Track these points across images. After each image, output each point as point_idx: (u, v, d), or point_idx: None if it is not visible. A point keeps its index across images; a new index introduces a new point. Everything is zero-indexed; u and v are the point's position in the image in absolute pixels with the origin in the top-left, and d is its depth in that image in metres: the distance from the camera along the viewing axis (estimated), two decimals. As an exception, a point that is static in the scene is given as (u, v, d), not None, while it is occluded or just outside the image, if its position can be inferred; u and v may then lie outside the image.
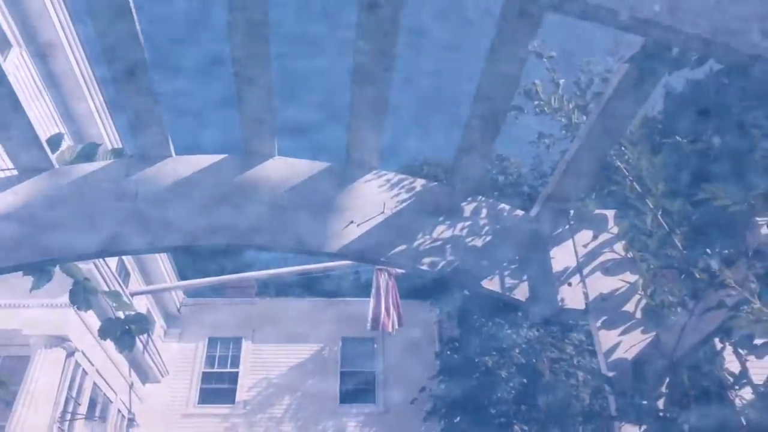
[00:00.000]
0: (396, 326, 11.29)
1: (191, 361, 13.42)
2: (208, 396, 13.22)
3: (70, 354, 8.24)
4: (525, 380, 11.14)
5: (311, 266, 11.57)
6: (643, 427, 2.06)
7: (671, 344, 2.16)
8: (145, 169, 2.33)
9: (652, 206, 2.28)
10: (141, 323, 3.01)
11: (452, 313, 13.93)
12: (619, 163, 2.44)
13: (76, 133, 9.06)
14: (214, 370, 13.59)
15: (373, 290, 11.51)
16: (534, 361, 11.00)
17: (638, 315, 2.30)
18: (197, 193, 2.31)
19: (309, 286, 20.68)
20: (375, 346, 14.26)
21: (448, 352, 13.09)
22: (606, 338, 2.24)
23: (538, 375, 9.62)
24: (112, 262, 10.00)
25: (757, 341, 1.92)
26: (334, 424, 13.08)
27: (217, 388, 13.38)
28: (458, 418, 11.84)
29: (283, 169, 2.43)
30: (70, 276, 2.77)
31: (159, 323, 13.42)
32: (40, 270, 2.56)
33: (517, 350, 11.98)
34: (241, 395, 13.25)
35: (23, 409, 7.57)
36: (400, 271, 11.96)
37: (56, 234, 2.17)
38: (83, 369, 8.69)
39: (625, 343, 2.22)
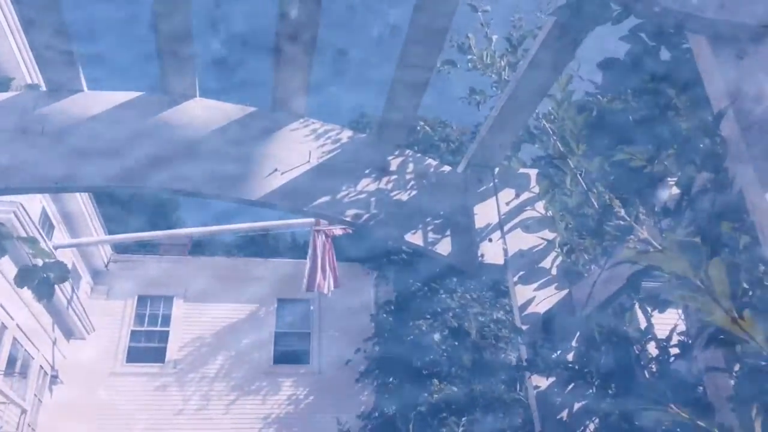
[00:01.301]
0: (332, 288, 11.29)
1: (119, 319, 13.04)
2: (137, 355, 12.92)
3: (-14, 307, 7.85)
4: (456, 342, 11.46)
5: (246, 225, 11.39)
6: (552, 378, 2.13)
7: (583, 300, 2.24)
8: (53, 104, 2.18)
9: (572, 166, 2.33)
10: (60, 271, 2.87)
11: (389, 276, 14.10)
12: (545, 123, 2.47)
13: (-5, 74, 8.43)
14: (144, 328, 13.27)
15: (310, 251, 11.43)
16: (465, 324, 11.31)
17: (554, 271, 2.36)
18: (108, 132, 2.18)
19: (244, 246, 20.43)
20: (311, 307, 14.27)
21: (384, 315, 13.28)
22: (522, 293, 2.29)
23: (468, 337, 9.93)
24: (34, 213, 9.51)
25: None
26: (268, 384, 13.09)
27: (147, 346, 13.10)
28: (391, 379, 12.09)
29: (203, 110, 2.33)
30: None
31: (85, 279, 12.93)
32: None
33: (450, 314, 12.26)
34: (171, 354, 13.03)
35: (-67, 364, 7.19)
36: (337, 232, 11.93)
37: (-51, 168, 2.01)
38: (1, 323, 8.30)
39: (540, 298, 2.28)
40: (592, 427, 2.02)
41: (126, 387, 12.41)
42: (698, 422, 0.98)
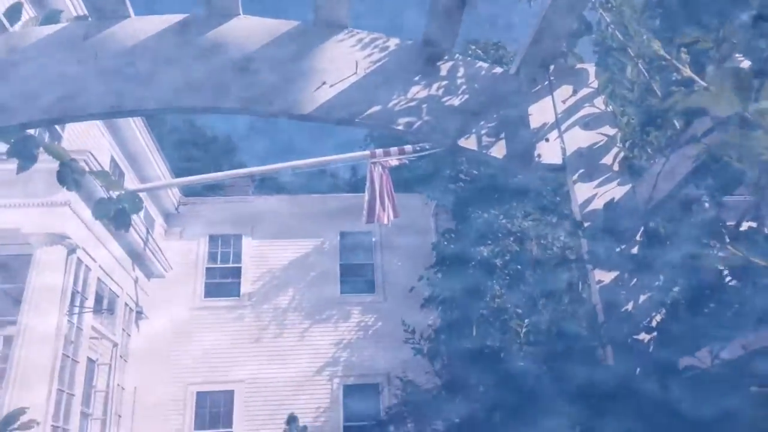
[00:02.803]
0: (391, 218, 11.35)
1: (194, 258, 13.75)
2: (213, 290, 13.67)
3: (72, 251, 8.39)
4: (519, 267, 11.43)
5: (305, 161, 11.53)
6: (615, 273, 2.10)
7: (646, 194, 2.16)
8: (103, 32, 2.23)
9: (633, 54, 2.20)
10: (134, 202, 2.99)
11: (448, 205, 14.07)
12: (601, 12, 2.33)
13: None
14: (217, 265, 13.96)
15: (367, 184, 11.50)
16: (527, 248, 11.25)
17: (615, 168, 2.28)
18: (159, 55, 2.21)
19: (304, 184, 20.79)
20: (373, 239, 14.54)
21: (445, 243, 13.33)
22: (582, 191, 2.23)
23: (529, 258, 9.86)
24: (104, 160, 9.95)
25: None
26: (337, 312, 13.63)
27: (222, 282, 13.81)
28: (454, 304, 12.27)
29: (248, 28, 2.32)
30: (56, 157, 2.72)
31: (158, 222, 13.59)
32: (23, 152, 2.52)
33: (511, 239, 12.20)
34: (245, 288, 13.71)
35: (31, 305, 7.82)
36: (393, 163, 11.92)
37: (16, 99, 2.11)
38: (86, 265, 8.88)
39: (601, 196, 2.21)
40: (658, 318, 1.99)
41: (206, 320, 13.21)
42: (755, 260, 0.94)
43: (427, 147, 11.90)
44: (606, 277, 2.08)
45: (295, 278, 13.87)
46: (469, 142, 2.33)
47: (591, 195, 2.21)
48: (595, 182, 2.24)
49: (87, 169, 7.62)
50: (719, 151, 1.42)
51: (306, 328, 13.39)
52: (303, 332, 13.35)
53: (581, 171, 2.25)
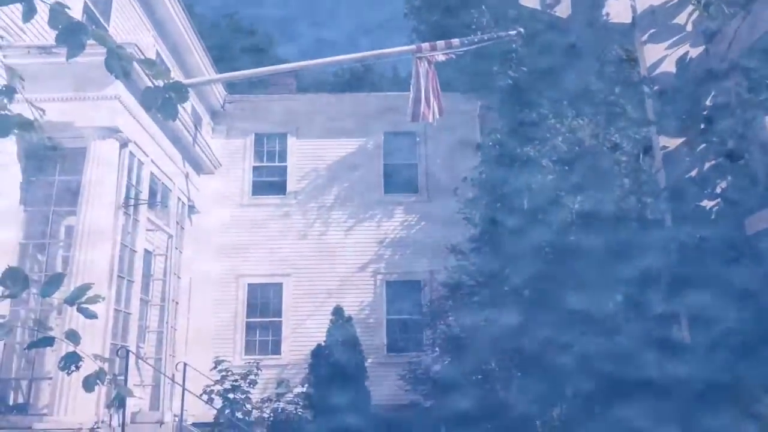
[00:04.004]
0: (437, 116, 11.14)
1: (241, 156, 14.00)
2: (260, 188, 14.01)
3: (124, 145, 8.58)
4: (566, 167, 11.19)
5: (350, 56, 11.28)
6: (681, 139, 2.01)
7: (721, 55, 2.02)
8: None
9: None
10: (180, 91, 3.00)
11: (494, 104, 13.69)
12: None
13: None
14: (264, 164, 14.20)
15: (413, 80, 11.21)
16: (576, 148, 10.94)
17: (689, 28, 2.13)
18: None
19: (347, 84, 20.48)
20: (417, 139, 14.42)
21: (490, 144, 13.09)
22: (651, 53, 2.10)
23: (579, 157, 9.60)
24: (150, 56, 9.93)
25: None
26: (381, 211, 13.84)
27: (268, 180, 14.10)
28: (498, 204, 12.21)
29: None
30: (102, 44, 2.71)
31: (205, 120, 13.74)
32: (71, 39, 2.51)
33: (560, 138, 11.88)
34: (291, 186, 13.98)
35: (89, 196, 8.14)
36: (440, 58, 11.55)
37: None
38: (138, 159, 9.12)
39: (672, 57, 2.08)
40: (723, 184, 1.92)
41: (255, 216, 13.67)
42: None
43: (476, 40, 11.42)
44: (671, 143, 1.99)
45: (339, 177, 14.04)
46: (531, 0, 2.20)
47: (661, 56, 2.08)
48: (666, 43, 2.10)
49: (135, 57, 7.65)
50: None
51: (350, 227, 13.70)
52: (347, 230, 13.68)
53: (652, 31, 2.11)
